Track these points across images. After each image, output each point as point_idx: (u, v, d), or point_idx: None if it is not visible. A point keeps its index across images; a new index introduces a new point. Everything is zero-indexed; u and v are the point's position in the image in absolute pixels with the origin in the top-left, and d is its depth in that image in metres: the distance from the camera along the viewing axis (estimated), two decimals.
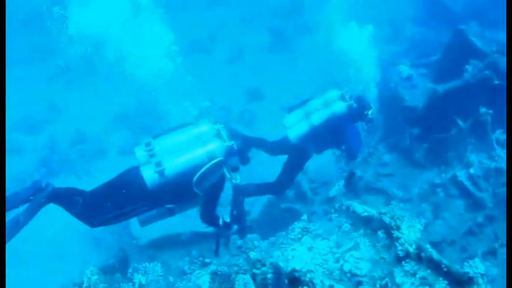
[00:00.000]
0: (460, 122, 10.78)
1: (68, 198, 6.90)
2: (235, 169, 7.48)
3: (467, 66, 11.11)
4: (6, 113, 19.62)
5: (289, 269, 5.72)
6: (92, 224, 7.12)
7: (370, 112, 9.35)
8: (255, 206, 11.58)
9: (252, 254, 6.77)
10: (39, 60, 23.44)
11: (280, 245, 7.02)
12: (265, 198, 11.26)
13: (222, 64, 22.88)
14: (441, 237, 9.37)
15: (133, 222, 9.94)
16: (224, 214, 7.62)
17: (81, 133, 19.04)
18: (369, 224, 6.64)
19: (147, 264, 7.72)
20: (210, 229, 7.96)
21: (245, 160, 7.74)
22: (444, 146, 10.96)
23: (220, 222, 7.56)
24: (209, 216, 7.51)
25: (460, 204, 9.91)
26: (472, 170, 10.01)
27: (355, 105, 9.16)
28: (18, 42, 24.79)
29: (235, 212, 7.86)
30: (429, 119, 11.25)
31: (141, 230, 10.50)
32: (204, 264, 7.68)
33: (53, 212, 7.12)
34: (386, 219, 6.26)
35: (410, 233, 5.99)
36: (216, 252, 7.82)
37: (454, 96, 11.01)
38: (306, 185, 11.51)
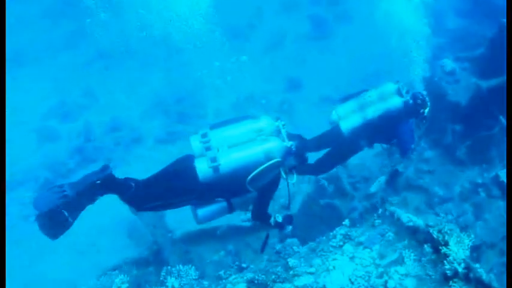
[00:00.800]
0: (502, 120, 10.51)
1: (123, 183, 6.78)
2: (292, 170, 7.30)
3: None
4: (33, 103, 19.94)
5: None
6: (139, 209, 7.01)
7: (426, 110, 9.04)
8: (295, 199, 11.39)
9: (291, 261, 6.62)
10: (74, 46, 23.46)
11: (321, 253, 6.84)
12: (304, 193, 11.11)
13: (260, 52, 22.63)
14: (481, 239, 9.19)
15: (169, 214, 9.87)
16: (276, 214, 7.43)
17: (117, 120, 19.07)
18: (414, 234, 6.43)
19: (181, 266, 7.58)
20: (247, 223, 7.81)
21: (303, 161, 7.56)
22: (486, 144, 10.71)
23: (272, 221, 7.38)
24: (261, 214, 7.33)
25: (501, 205, 9.76)
26: None
27: (411, 101, 8.86)
28: (53, 28, 24.91)
29: (289, 213, 7.68)
30: (472, 115, 11.02)
31: (176, 222, 10.43)
32: (241, 269, 7.55)
33: None
34: (434, 233, 6.03)
35: (459, 250, 5.74)
36: (262, 251, 7.69)
37: (498, 92, 10.73)
38: (345, 180, 11.35)
